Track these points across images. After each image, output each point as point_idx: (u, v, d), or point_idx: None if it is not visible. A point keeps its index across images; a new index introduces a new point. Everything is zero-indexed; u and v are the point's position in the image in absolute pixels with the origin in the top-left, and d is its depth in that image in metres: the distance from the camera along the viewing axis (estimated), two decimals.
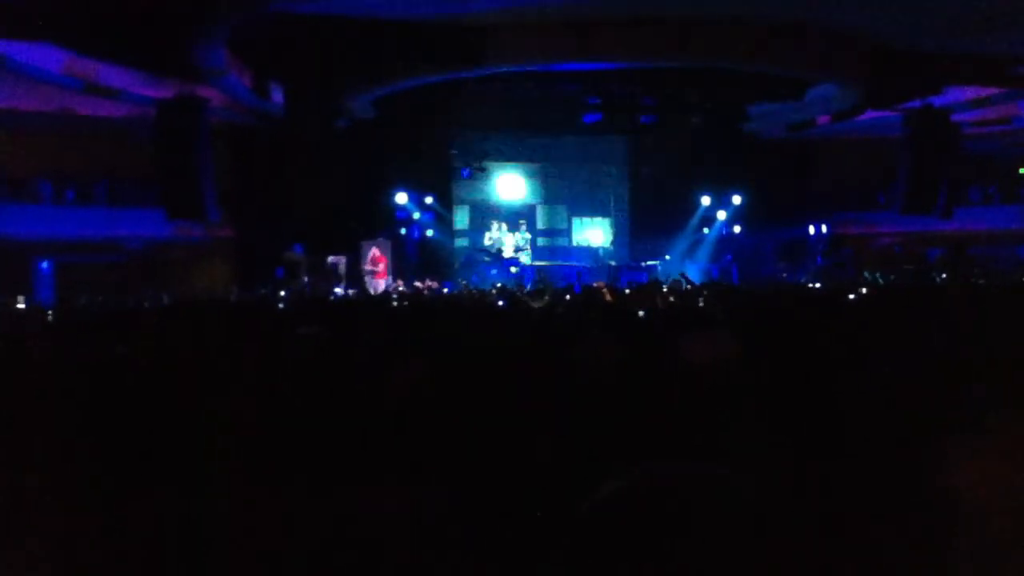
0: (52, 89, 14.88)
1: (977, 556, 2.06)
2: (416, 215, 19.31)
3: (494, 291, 12.00)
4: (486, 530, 2.10)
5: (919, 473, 2.26)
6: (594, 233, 22.56)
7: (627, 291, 10.88)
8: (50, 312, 10.15)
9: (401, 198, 18.73)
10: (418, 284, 16.62)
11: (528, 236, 20.94)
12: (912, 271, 16.26)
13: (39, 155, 17.83)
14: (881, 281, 13.67)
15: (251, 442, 2.46)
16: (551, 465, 2.40)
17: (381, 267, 18.07)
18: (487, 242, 20.49)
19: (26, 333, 6.69)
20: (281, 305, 9.50)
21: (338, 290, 16.72)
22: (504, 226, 20.63)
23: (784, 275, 18.92)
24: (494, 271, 19.40)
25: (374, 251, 18.04)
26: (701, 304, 7.99)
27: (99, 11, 12.02)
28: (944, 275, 13.98)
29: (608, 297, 9.59)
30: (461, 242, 21.14)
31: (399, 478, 2.15)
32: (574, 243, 22.45)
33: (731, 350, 3.26)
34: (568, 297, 9.89)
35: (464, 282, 16.36)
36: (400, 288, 16.84)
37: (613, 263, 21.22)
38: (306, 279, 16.93)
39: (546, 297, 9.22)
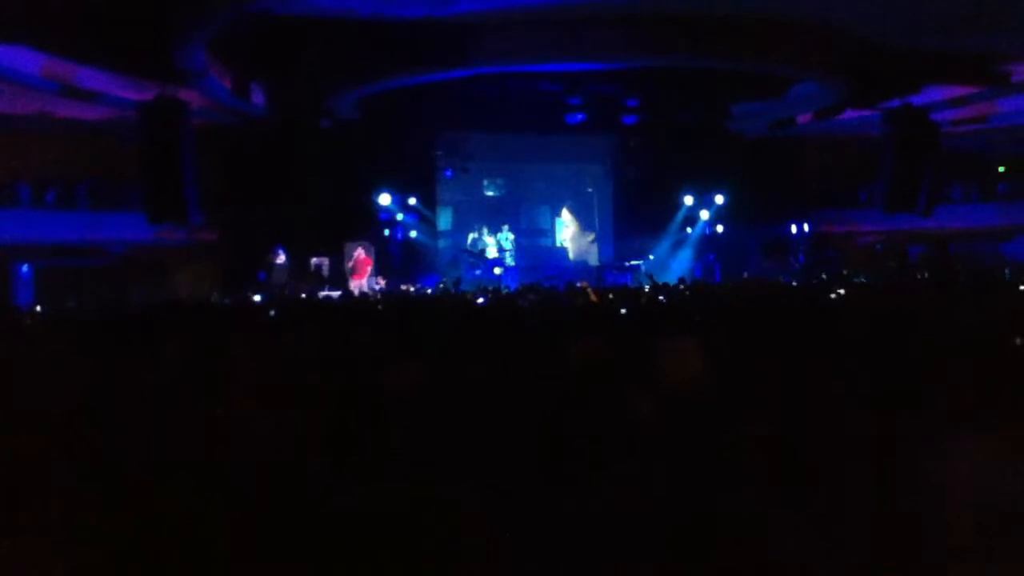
0: (30, 92, 14.72)
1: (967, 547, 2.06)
2: (400, 216, 19.26)
3: (479, 292, 12.00)
4: (480, 527, 2.08)
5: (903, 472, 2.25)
6: (580, 233, 22.55)
7: (610, 295, 10.92)
8: (29, 316, 10.04)
9: (384, 199, 18.68)
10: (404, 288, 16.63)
11: (512, 237, 20.93)
12: (895, 268, 16.36)
13: (18, 158, 17.67)
14: (864, 279, 13.75)
15: (251, 443, 2.43)
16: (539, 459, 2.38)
17: (364, 268, 18.00)
18: (469, 243, 20.54)
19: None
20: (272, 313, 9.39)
21: (322, 293, 16.63)
22: (486, 228, 20.70)
23: (756, 272, 19.04)
24: (478, 272, 19.38)
25: (359, 251, 17.97)
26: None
27: (76, 13, 11.91)
28: (926, 273, 14.06)
29: (593, 297, 9.63)
30: (444, 243, 21.08)
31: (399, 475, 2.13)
32: (558, 243, 22.44)
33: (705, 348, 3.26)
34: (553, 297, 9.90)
35: (444, 282, 16.34)
36: (382, 286, 16.83)
37: (597, 263, 21.27)
38: (288, 282, 16.86)
39: (531, 296, 9.24)
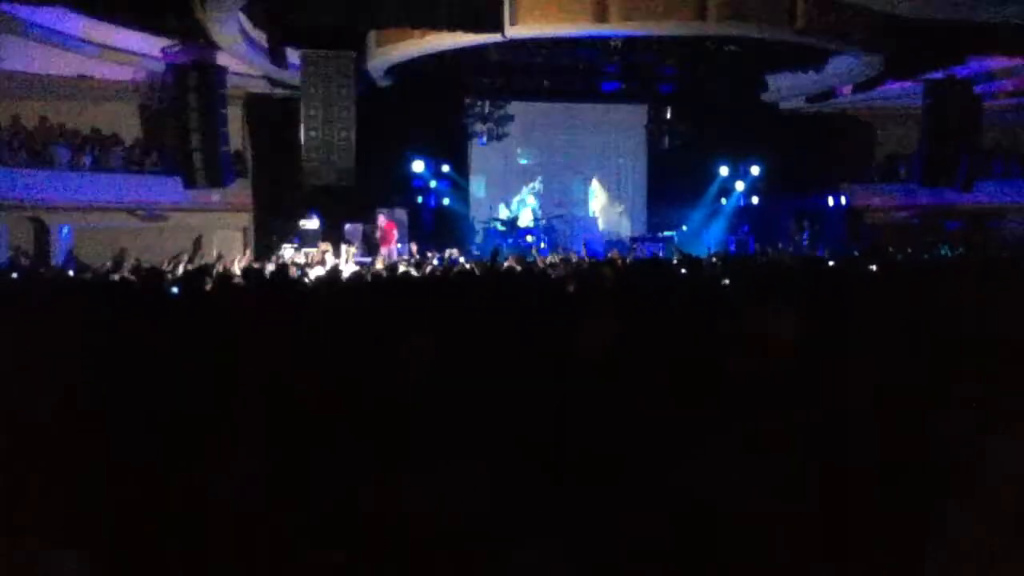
0: (70, 53, 14.87)
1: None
2: (432, 183, 19.25)
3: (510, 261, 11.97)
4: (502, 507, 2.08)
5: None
6: (611, 203, 22.46)
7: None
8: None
9: (418, 166, 18.67)
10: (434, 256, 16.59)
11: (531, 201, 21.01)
12: (929, 243, 16.11)
13: (57, 120, 17.90)
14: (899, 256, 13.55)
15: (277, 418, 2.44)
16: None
17: (390, 235, 17.97)
18: (502, 213, 20.58)
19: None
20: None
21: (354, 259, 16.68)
22: (525, 191, 20.81)
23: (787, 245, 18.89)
24: (509, 241, 19.36)
25: (380, 219, 17.94)
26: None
27: None
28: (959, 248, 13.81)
29: (620, 264, 9.65)
30: (477, 211, 21.07)
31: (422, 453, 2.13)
32: (591, 213, 22.35)
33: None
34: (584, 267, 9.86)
35: (475, 252, 16.31)
36: (415, 254, 16.82)
37: (628, 234, 21.16)
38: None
39: (560, 268, 9.24)
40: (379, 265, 13.55)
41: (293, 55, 15.30)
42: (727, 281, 7.39)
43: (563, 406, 2.36)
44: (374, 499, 2.03)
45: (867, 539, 1.98)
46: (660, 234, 19.81)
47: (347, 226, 17.96)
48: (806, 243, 19.07)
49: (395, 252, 17.47)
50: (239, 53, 14.74)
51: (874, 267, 10.19)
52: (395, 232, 17.92)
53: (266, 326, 3.57)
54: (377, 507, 2.01)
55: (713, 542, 1.93)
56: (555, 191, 22.01)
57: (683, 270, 8.71)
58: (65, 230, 17.77)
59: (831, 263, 10.98)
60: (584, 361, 2.77)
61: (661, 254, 17.46)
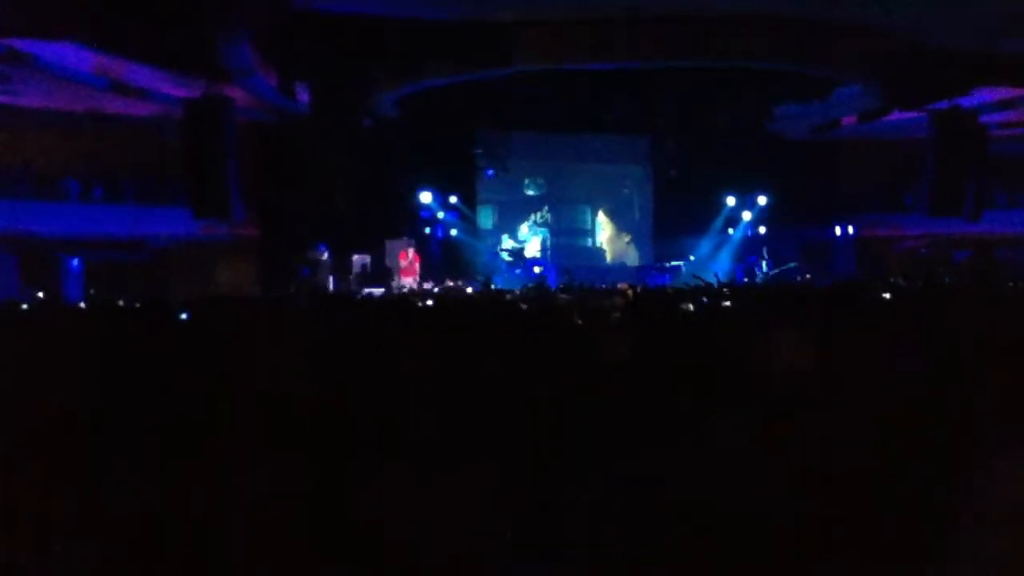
0: (80, 88, 15.02)
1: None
2: (440, 215, 19.33)
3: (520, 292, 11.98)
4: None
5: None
6: (617, 234, 22.51)
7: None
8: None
9: (425, 197, 18.76)
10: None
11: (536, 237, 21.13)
12: (941, 273, 16.07)
13: (67, 153, 18.02)
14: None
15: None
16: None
17: (415, 267, 18.07)
18: (507, 243, 20.66)
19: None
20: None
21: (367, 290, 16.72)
22: (525, 227, 20.85)
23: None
24: (517, 271, 19.40)
25: (411, 251, 18.06)
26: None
27: (125, 11, 12.13)
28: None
29: (630, 294, 9.62)
30: (485, 242, 21.14)
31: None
32: (597, 244, 22.40)
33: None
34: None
35: (483, 279, 16.34)
36: (426, 286, 16.89)
37: (635, 264, 21.20)
38: (331, 279, 17.05)
39: (564, 297, 9.21)
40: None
41: (302, 89, 15.44)
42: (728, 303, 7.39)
43: (562, 410, 2.37)
44: (374, 506, 2.03)
45: (866, 541, 1.98)
46: (667, 264, 19.85)
47: (355, 257, 18.03)
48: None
49: (406, 283, 17.55)
50: (249, 86, 14.87)
51: (887, 295, 10.12)
52: (418, 265, 18.05)
53: (271, 338, 3.59)
54: (377, 514, 2.01)
55: (714, 542, 1.93)
56: (562, 221, 22.09)
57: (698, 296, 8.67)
58: (75, 262, 17.83)
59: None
60: (586, 366, 2.78)
61: (669, 284, 17.48)
